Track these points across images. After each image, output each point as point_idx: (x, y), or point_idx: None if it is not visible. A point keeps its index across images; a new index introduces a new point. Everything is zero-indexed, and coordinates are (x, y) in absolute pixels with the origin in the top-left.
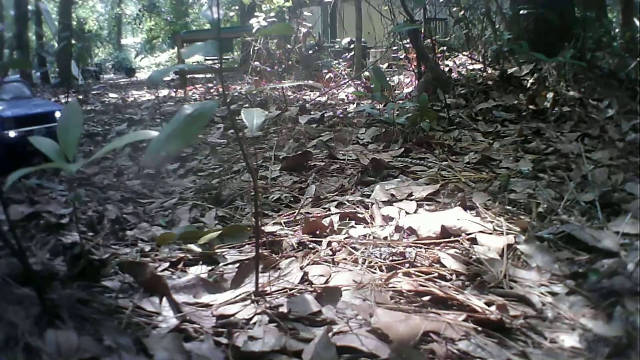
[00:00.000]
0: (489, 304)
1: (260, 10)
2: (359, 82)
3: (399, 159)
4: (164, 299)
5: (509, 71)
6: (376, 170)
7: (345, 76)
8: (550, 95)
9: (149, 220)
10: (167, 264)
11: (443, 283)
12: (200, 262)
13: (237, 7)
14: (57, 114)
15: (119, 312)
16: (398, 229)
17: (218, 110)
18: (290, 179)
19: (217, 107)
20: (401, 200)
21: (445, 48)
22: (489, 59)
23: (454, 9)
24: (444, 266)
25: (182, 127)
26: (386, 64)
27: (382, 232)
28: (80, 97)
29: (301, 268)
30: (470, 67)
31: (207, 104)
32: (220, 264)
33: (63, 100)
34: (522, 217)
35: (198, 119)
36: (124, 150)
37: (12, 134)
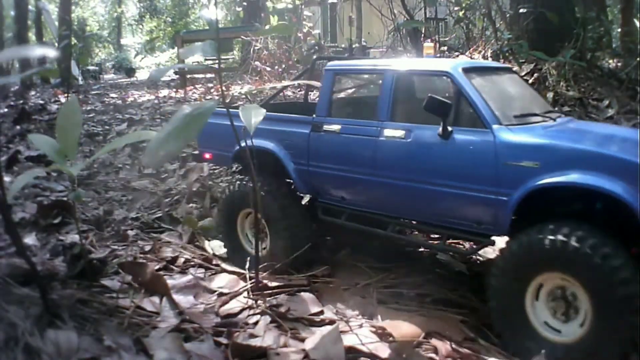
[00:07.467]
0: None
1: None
2: None
3: None
4: (164, 299)
5: None
6: None
7: None
8: (550, 95)
9: (149, 219)
10: (166, 263)
11: (444, 283)
12: (201, 263)
13: (244, 3)
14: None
15: (119, 312)
16: None
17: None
18: None
19: (216, 107)
20: None
21: (445, 48)
22: (489, 59)
23: (455, 8)
24: (444, 265)
25: (181, 127)
26: None
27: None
28: (80, 97)
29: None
30: None
31: (206, 104)
32: (221, 264)
33: (63, 101)
34: None
35: (197, 118)
36: (123, 150)
37: None
